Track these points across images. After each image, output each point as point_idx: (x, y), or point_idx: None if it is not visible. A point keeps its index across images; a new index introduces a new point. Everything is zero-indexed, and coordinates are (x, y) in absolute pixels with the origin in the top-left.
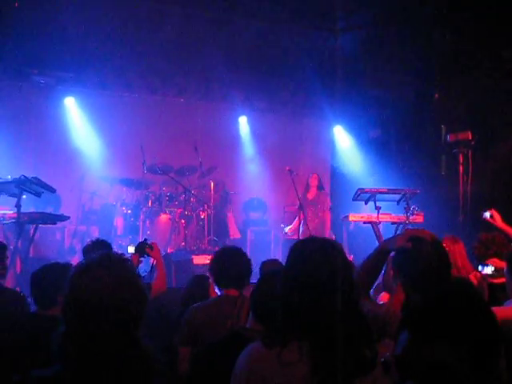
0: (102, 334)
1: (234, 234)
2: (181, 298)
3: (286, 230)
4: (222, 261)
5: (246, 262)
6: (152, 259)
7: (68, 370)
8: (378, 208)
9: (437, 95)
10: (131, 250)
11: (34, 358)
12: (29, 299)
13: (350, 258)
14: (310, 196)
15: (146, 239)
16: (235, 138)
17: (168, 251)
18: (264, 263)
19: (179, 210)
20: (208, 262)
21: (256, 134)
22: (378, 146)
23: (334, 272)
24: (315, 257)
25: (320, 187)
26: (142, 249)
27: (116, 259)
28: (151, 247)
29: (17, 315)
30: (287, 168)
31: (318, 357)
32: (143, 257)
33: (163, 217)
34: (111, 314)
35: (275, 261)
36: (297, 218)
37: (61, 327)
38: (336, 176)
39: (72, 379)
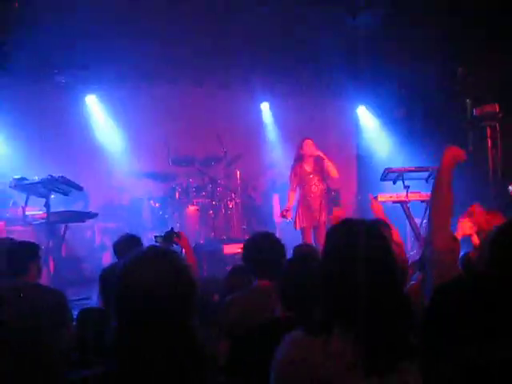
0: (157, 324)
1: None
2: (220, 290)
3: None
4: (253, 248)
5: (279, 248)
6: (181, 248)
7: (124, 365)
8: (406, 187)
9: (461, 69)
10: (159, 239)
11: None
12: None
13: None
14: (307, 167)
15: (172, 228)
16: (258, 125)
17: (198, 242)
18: (296, 248)
19: (207, 201)
20: (239, 250)
21: (279, 119)
22: (403, 125)
23: (380, 255)
24: (359, 239)
25: (318, 157)
26: (170, 238)
27: (164, 251)
28: (179, 236)
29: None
30: (314, 152)
31: (365, 345)
32: (172, 245)
33: (191, 208)
34: (165, 304)
35: (308, 246)
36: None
37: (112, 322)
38: (362, 158)
39: (128, 374)
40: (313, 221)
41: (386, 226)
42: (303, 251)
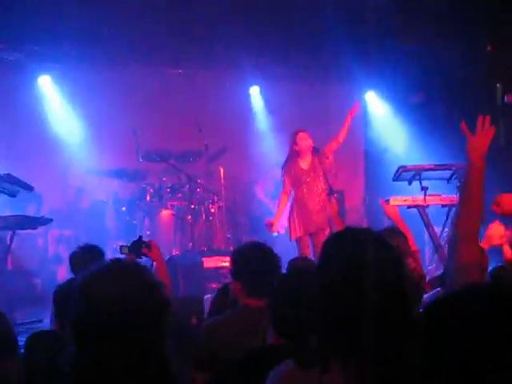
0: (122, 338)
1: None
2: (199, 312)
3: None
4: (242, 261)
5: (272, 261)
6: (151, 261)
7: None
8: (424, 188)
9: (489, 47)
10: (124, 250)
11: None
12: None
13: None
14: (304, 164)
15: (141, 237)
16: (247, 113)
17: (173, 254)
18: (291, 262)
19: (184, 204)
20: (222, 264)
21: (271, 107)
22: (420, 113)
23: (391, 276)
24: (361, 253)
25: (315, 149)
26: (138, 249)
27: (130, 264)
28: (148, 246)
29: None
30: (311, 145)
31: (368, 378)
32: (140, 258)
33: (165, 213)
34: (132, 318)
35: (305, 259)
36: (278, 206)
37: (69, 348)
38: (371, 153)
39: None
40: (310, 226)
41: (400, 234)
42: (298, 266)
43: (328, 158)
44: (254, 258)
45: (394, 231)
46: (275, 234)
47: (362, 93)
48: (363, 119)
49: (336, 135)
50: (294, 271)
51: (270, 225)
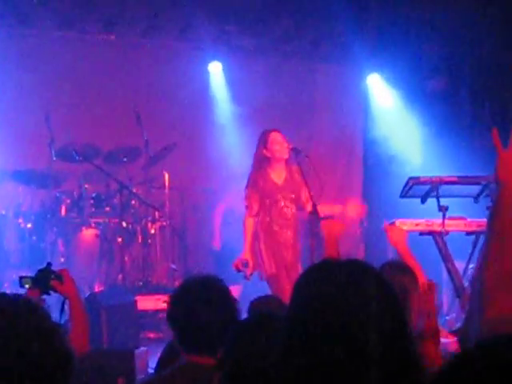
0: None
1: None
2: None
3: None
4: (187, 305)
5: (229, 306)
6: (63, 299)
7: None
8: (443, 209)
9: None
10: (26, 283)
11: None
12: None
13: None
14: (277, 178)
15: (50, 264)
16: (203, 98)
17: (95, 290)
18: (254, 303)
19: (113, 222)
20: (163, 306)
21: (239, 90)
22: (440, 105)
23: (374, 316)
24: (341, 294)
25: (294, 151)
26: (44, 281)
27: (19, 302)
28: (60, 278)
29: None
30: (289, 146)
31: None
32: (47, 294)
33: (86, 233)
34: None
35: (273, 300)
36: (246, 239)
37: None
38: (372, 159)
39: None
40: (283, 261)
41: (407, 270)
42: (263, 309)
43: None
44: (200, 301)
45: (399, 266)
46: (249, 274)
47: (361, 75)
48: (363, 112)
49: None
50: (257, 317)
51: (242, 265)
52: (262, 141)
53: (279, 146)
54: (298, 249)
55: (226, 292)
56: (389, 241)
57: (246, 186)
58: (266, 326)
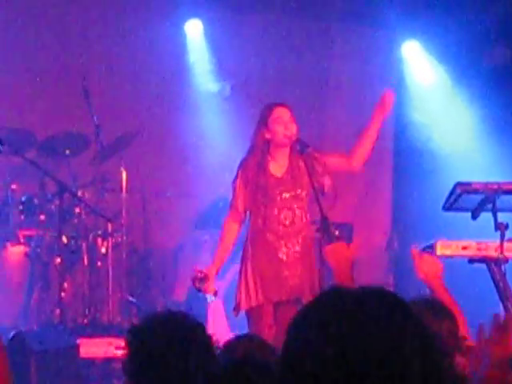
0: None
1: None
2: None
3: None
4: (142, 349)
5: (200, 347)
6: None
7: None
8: (502, 227)
9: None
10: None
11: None
12: None
13: None
14: (276, 168)
15: None
16: (178, 66)
17: (22, 329)
18: (231, 345)
19: (48, 236)
20: (116, 352)
21: (223, 55)
22: (502, 84)
23: (404, 360)
24: (355, 342)
25: (300, 144)
26: None
27: None
28: None
29: None
30: (292, 137)
31: None
32: None
33: (12, 250)
34: None
35: (254, 341)
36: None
37: None
38: (405, 155)
39: None
40: (277, 290)
41: (444, 312)
42: (242, 353)
43: (323, 167)
44: (162, 345)
45: (434, 306)
46: (210, 297)
47: (395, 41)
48: (395, 91)
49: (352, 150)
50: (234, 363)
51: (201, 278)
52: (263, 118)
53: (284, 126)
54: (315, 273)
55: (198, 333)
56: (416, 273)
57: (235, 178)
58: (245, 376)
